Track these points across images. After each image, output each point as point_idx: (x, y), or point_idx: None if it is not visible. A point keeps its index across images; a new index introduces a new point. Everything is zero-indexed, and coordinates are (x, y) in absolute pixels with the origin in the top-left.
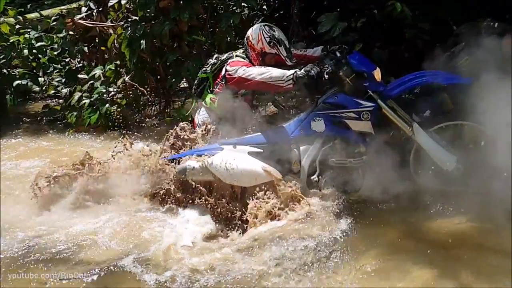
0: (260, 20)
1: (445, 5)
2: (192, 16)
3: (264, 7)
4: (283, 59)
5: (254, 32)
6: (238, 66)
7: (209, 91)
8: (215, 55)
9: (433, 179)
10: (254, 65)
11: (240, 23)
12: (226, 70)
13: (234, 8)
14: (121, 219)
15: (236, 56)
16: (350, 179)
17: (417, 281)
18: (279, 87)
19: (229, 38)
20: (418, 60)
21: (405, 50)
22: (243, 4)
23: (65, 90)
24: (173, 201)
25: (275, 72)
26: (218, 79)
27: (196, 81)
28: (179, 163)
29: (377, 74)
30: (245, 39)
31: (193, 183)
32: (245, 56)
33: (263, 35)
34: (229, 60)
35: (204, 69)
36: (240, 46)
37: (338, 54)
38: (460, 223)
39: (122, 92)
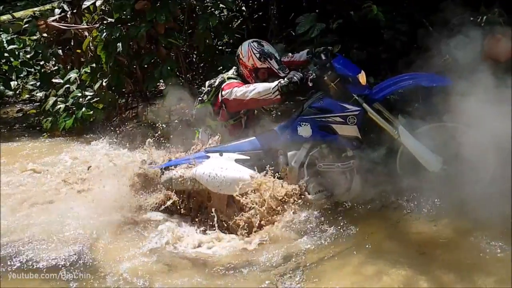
0: (239, 21)
1: (420, 6)
2: (169, 18)
3: (243, 8)
4: (276, 72)
5: (243, 50)
6: (231, 88)
7: (210, 118)
8: (207, 83)
9: (419, 181)
10: (248, 83)
11: (219, 25)
12: (221, 95)
13: (212, 9)
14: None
15: (228, 78)
16: (338, 183)
17: (395, 281)
18: (269, 100)
19: (207, 40)
20: (396, 61)
21: (383, 51)
22: (221, 5)
23: (40, 94)
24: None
25: (260, 87)
26: (217, 106)
27: (194, 111)
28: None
29: (362, 77)
30: (235, 57)
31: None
32: (236, 76)
33: (253, 52)
34: (223, 85)
35: (200, 98)
36: (219, 48)
37: (323, 57)
38: (441, 223)
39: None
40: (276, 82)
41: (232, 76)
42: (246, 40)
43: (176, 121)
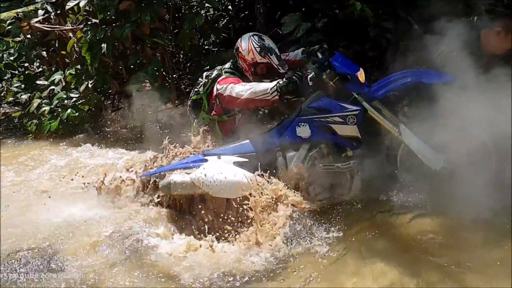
0: (225, 20)
1: (405, 3)
2: (154, 18)
3: (229, 7)
4: (275, 67)
5: (243, 43)
6: (227, 84)
7: (204, 111)
8: (205, 74)
9: (421, 179)
10: (246, 77)
11: (205, 24)
12: (216, 89)
13: (198, 9)
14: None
15: (225, 72)
16: (338, 184)
17: (383, 280)
18: (266, 101)
19: (193, 40)
20: (382, 59)
21: (369, 49)
22: (207, 5)
23: (25, 96)
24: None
25: (258, 86)
26: (212, 99)
27: (189, 102)
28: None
29: (361, 75)
30: (234, 50)
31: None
32: (234, 70)
33: (253, 45)
34: (219, 78)
35: (196, 89)
36: (205, 47)
37: (320, 55)
38: (433, 221)
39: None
40: (274, 83)
41: (229, 70)
42: (245, 34)
43: (163, 120)
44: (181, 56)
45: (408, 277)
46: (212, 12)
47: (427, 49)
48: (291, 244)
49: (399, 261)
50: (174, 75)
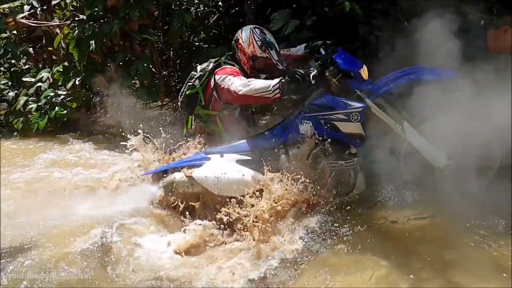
0: (215, 17)
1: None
2: (143, 14)
3: (220, 3)
4: (274, 63)
5: (244, 35)
6: (225, 75)
7: (200, 105)
8: (200, 67)
9: (423, 177)
10: (244, 69)
11: (195, 21)
12: (214, 80)
13: (187, 5)
14: None
15: (224, 62)
16: (342, 181)
17: (374, 276)
18: (266, 98)
19: (183, 37)
20: (372, 57)
21: (359, 47)
22: (196, 1)
23: (12, 94)
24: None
25: (258, 83)
26: (209, 93)
27: (181, 98)
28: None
29: (364, 72)
30: (233, 41)
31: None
32: (232, 61)
33: (254, 39)
34: (217, 69)
35: (190, 84)
36: (195, 44)
37: (323, 51)
38: (431, 220)
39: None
40: (276, 80)
41: (228, 61)
42: (247, 26)
43: (152, 117)
44: (171, 53)
45: (400, 275)
46: (202, 9)
47: (419, 46)
48: (286, 242)
49: (393, 259)
50: (163, 72)
